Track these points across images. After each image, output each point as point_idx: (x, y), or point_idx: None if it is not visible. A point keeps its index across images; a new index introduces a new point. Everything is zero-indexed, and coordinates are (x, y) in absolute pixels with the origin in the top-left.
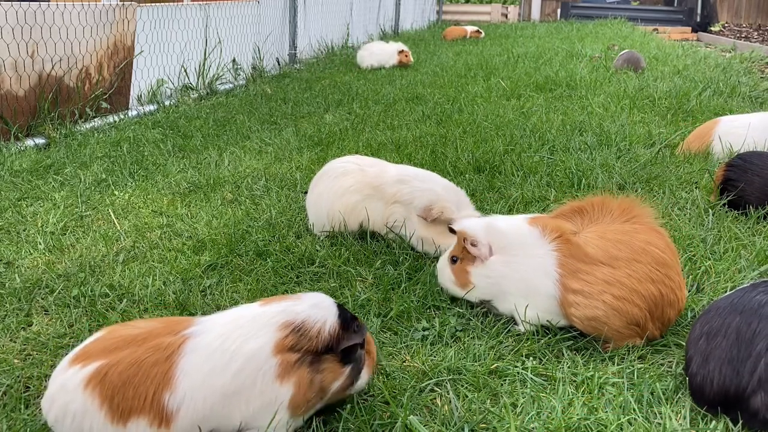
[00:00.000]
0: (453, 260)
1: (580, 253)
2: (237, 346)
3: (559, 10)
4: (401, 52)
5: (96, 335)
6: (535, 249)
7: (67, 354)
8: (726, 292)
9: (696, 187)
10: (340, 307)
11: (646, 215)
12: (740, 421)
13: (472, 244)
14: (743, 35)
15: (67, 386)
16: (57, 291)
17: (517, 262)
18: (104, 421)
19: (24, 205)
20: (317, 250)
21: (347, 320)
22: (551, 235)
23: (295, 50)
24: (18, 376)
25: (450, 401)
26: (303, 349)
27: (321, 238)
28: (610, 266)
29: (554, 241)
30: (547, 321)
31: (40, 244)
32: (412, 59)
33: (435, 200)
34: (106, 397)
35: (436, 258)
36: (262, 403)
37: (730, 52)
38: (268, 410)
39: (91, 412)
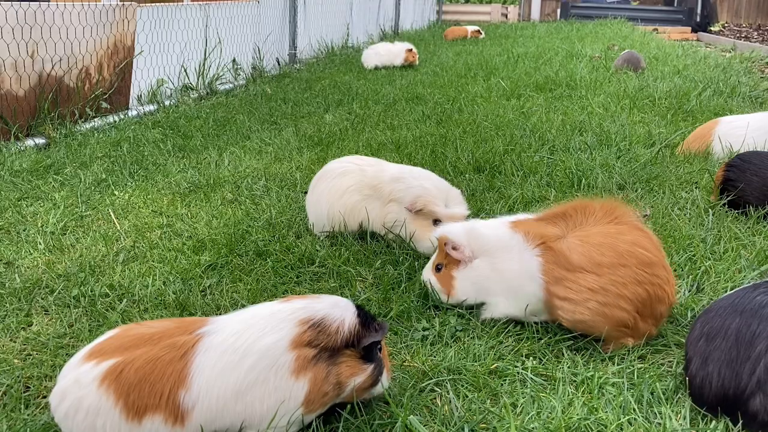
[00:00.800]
0: (438, 269)
1: (564, 261)
2: (251, 342)
3: (559, 10)
4: (410, 50)
5: (110, 333)
6: (519, 254)
7: (67, 353)
8: (726, 292)
9: (696, 187)
10: (359, 307)
11: (628, 215)
12: (740, 422)
13: (454, 248)
14: (743, 35)
15: (82, 381)
16: (57, 291)
17: (502, 265)
18: (119, 418)
19: (24, 205)
20: (317, 250)
21: (367, 319)
22: (534, 242)
23: (295, 50)
24: (18, 376)
25: (450, 401)
26: (321, 345)
27: (321, 238)
28: (595, 273)
29: (537, 248)
30: (539, 320)
31: (40, 244)
32: (417, 59)
33: (422, 194)
34: (121, 394)
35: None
36: (277, 400)
37: (730, 52)
38: (283, 407)
39: (105, 409)
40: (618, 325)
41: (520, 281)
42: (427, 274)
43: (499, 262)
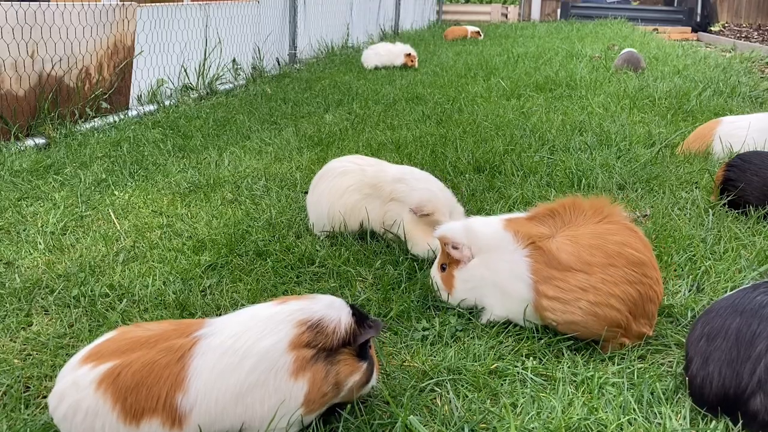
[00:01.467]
0: (443, 268)
1: (553, 261)
2: (250, 345)
3: (559, 10)
4: (408, 55)
5: (108, 335)
6: (509, 254)
7: (67, 354)
8: (726, 292)
9: (696, 187)
10: (353, 306)
11: (617, 214)
12: (740, 422)
13: (454, 247)
14: (743, 35)
15: (79, 384)
16: (57, 291)
17: (494, 264)
18: (116, 422)
19: (24, 205)
20: (317, 250)
21: (361, 317)
22: (523, 242)
23: (295, 50)
24: (18, 376)
25: (450, 401)
26: (319, 346)
27: (321, 238)
28: (584, 272)
29: (527, 248)
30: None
31: (40, 244)
32: (417, 63)
33: (430, 198)
34: (118, 397)
35: (427, 260)
36: (277, 401)
37: (730, 52)
38: (283, 408)
39: (103, 412)
40: (610, 326)
41: (510, 282)
42: (433, 274)
43: (491, 261)
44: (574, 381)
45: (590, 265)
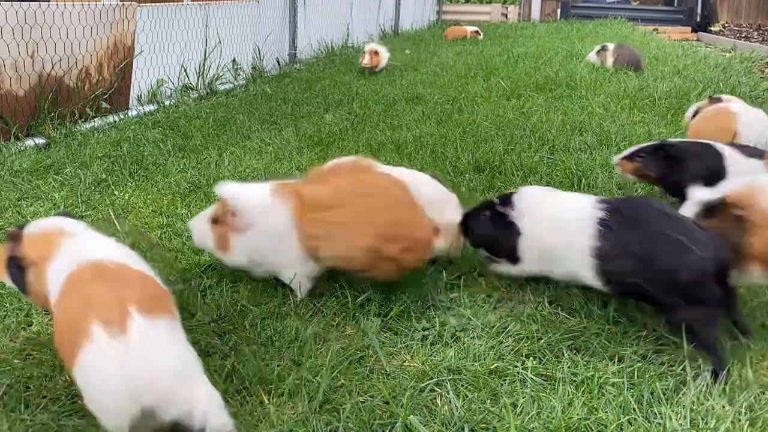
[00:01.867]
0: (215, 221)
1: (311, 203)
2: None
3: (559, 10)
4: (373, 51)
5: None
6: (278, 217)
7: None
8: None
9: None
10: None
11: (374, 167)
12: (740, 421)
13: (233, 215)
14: (743, 35)
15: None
16: None
17: (268, 228)
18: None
19: (24, 205)
20: None
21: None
22: (286, 198)
23: (295, 50)
24: (18, 376)
25: (450, 401)
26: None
27: None
28: (339, 207)
29: (289, 202)
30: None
31: None
32: (377, 62)
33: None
34: None
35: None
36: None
37: (730, 52)
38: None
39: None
40: (367, 252)
41: (284, 246)
42: (200, 226)
43: (267, 227)
44: (574, 381)
45: (345, 201)
